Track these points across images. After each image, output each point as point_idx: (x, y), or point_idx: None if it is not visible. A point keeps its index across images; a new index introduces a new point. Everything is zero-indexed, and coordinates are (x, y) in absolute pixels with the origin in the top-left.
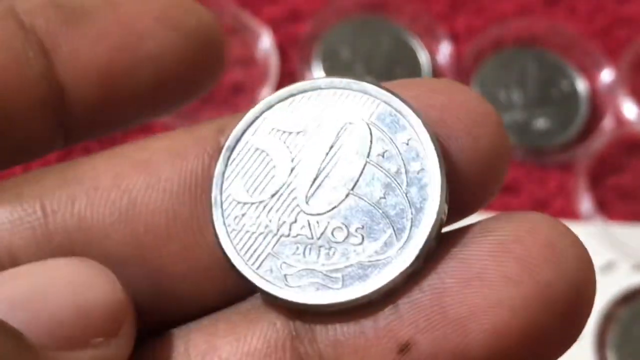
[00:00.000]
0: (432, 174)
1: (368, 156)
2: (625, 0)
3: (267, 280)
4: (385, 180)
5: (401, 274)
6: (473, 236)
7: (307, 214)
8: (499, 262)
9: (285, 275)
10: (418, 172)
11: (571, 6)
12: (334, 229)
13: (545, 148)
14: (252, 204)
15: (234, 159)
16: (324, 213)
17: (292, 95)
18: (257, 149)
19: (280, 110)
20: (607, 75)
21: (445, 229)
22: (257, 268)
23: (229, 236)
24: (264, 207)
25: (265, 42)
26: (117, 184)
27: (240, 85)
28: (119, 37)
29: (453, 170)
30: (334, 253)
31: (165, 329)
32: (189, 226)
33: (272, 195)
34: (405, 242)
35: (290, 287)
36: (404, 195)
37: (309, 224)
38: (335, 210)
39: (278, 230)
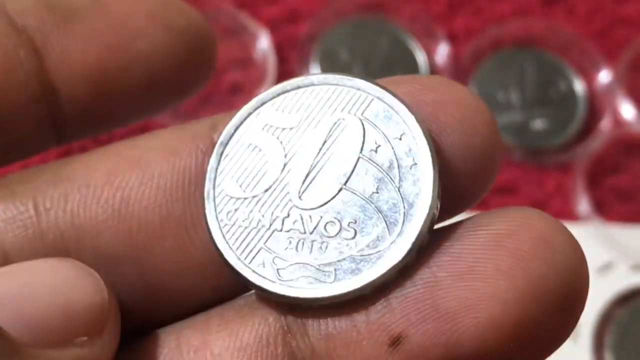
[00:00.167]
0: (425, 169)
1: (361, 151)
2: (624, 0)
3: (259, 275)
4: (378, 175)
5: (393, 267)
6: (466, 231)
7: (300, 209)
8: (492, 255)
9: (277, 270)
10: (410, 167)
11: (569, 7)
12: (326, 224)
13: (543, 148)
14: (245, 199)
15: (227, 155)
16: (317, 208)
17: (285, 91)
18: (250, 145)
19: (274, 106)
20: (605, 76)
21: (438, 226)
22: (250, 262)
23: (221, 231)
24: (257, 202)
25: (264, 42)
26: (110, 181)
27: (238, 85)
28: (110, 36)
29: (445, 166)
30: (326, 247)
31: (160, 326)
32: (182, 223)
33: (265, 190)
34: (398, 236)
35: (283, 281)
36: (397, 189)
37: (302, 219)
38: (328, 204)
39: (271, 224)
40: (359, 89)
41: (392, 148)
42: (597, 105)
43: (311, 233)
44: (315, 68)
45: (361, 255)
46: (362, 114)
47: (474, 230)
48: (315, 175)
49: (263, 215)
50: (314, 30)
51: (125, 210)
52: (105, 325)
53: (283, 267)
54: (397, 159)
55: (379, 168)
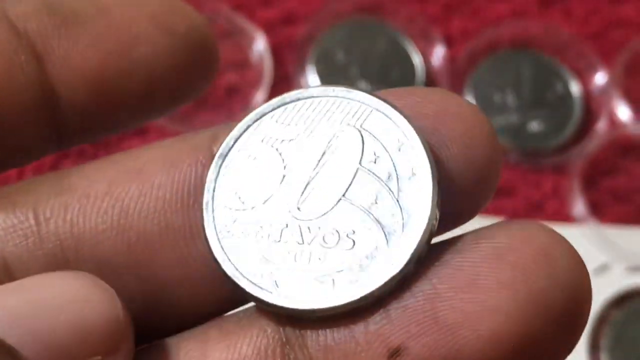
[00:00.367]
0: (424, 180)
1: (360, 162)
2: (620, 2)
3: (257, 286)
4: (377, 185)
5: (392, 278)
6: (467, 243)
7: (299, 220)
8: (493, 268)
9: (276, 281)
10: (409, 178)
11: (566, 8)
12: (325, 234)
13: (539, 150)
14: (244, 210)
15: (226, 166)
16: (316, 219)
17: (284, 103)
18: (249, 156)
19: (273, 118)
20: (601, 78)
21: (439, 239)
22: (248, 274)
23: (219, 242)
24: (256, 213)
25: (260, 45)
26: (109, 192)
27: (234, 88)
28: (112, 41)
29: (445, 178)
30: (325, 258)
31: (158, 337)
32: (182, 234)
33: (264, 202)
34: (397, 247)
35: (281, 292)
36: (396, 200)
37: (300, 230)
38: (326, 215)
39: (269, 236)
40: (358, 101)
41: (391, 159)
42: (593, 107)
43: (310, 244)
44: (311, 70)
45: (360, 266)
46: (361, 126)
47: (476, 242)
48: (314, 186)
49: (261, 227)
50: (311, 32)
51: (124, 220)
52: (121, 343)
53: (281, 278)
54: (396, 170)
55: (378, 179)
